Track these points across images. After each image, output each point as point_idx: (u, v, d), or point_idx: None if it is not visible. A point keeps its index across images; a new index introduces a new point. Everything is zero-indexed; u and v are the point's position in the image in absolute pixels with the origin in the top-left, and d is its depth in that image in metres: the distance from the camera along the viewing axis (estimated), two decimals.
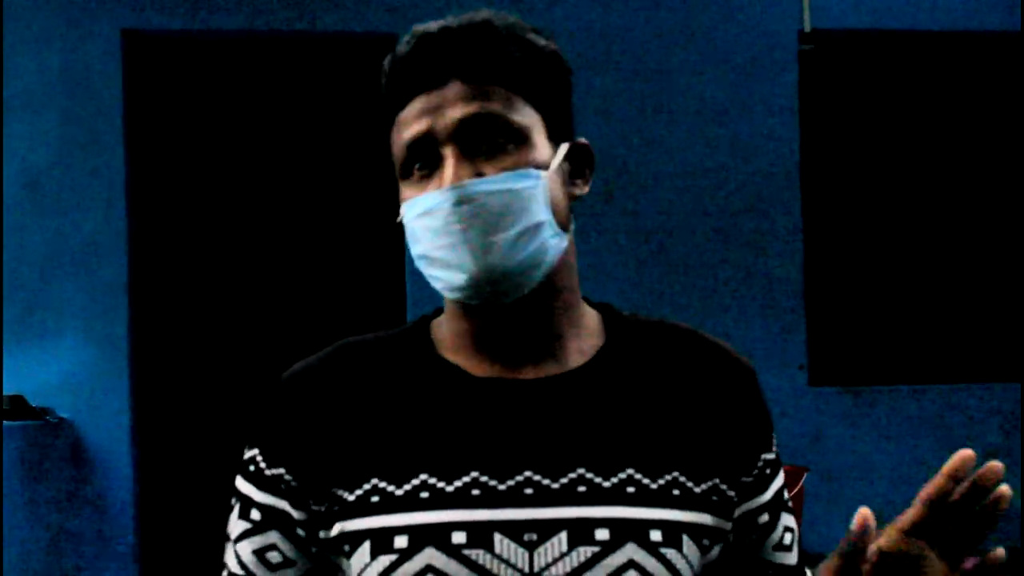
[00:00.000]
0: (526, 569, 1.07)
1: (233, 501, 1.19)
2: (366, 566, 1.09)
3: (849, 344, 5.07)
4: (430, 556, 1.07)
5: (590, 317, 1.21)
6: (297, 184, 4.89)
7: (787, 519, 1.23)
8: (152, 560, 4.71)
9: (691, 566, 1.10)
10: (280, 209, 4.88)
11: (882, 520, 1.00)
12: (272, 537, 1.16)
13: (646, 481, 1.11)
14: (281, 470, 1.15)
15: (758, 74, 4.93)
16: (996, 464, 0.97)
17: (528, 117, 1.13)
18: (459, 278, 1.10)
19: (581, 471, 1.10)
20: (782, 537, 1.22)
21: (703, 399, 1.17)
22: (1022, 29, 4.99)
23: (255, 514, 1.16)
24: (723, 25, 4.93)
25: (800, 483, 3.54)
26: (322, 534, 1.14)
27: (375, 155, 4.73)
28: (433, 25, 1.13)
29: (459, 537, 1.07)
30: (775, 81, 4.94)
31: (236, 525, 1.18)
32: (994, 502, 0.98)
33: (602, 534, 1.08)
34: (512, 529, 1.07)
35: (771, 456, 1.20)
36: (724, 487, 1.15)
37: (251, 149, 4.88)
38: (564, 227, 1.15)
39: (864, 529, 0.97)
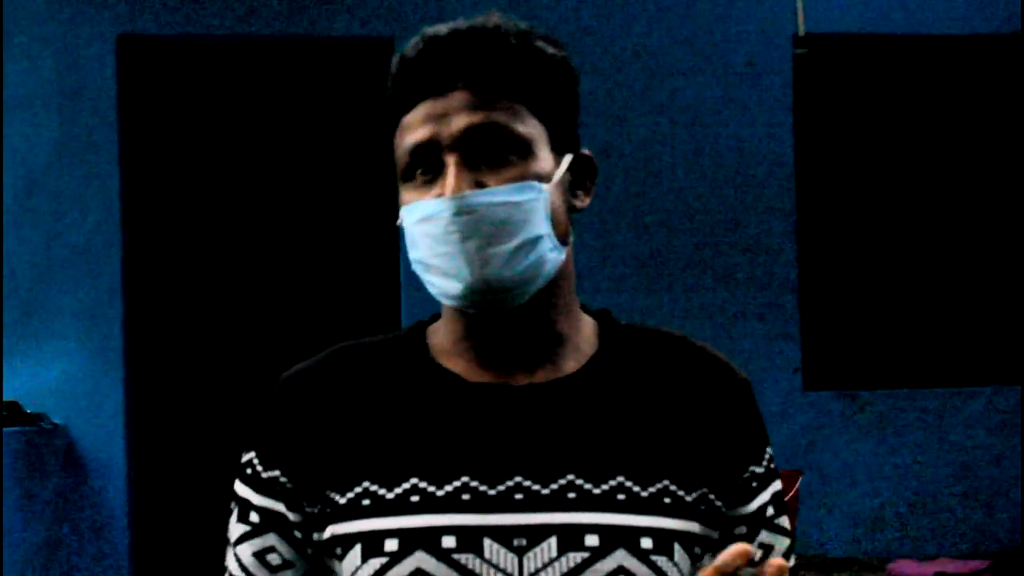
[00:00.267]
0: (515, 574, 1.07)
1: (232, 504, 1.20)
2: (357, 569, 1.10)
3: (844, 348, 5.07)
4: (420, 560, 1.07)
5: (586, 324, 1.20)
6: (292, 189, 4.88)
7: (768, 537, 1.19)
8: (147, 564, 4.71)
9: (682, 574, 1.10)
10: (275, 214, 4.87)
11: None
12: (271, 539, 1.16)
13: (636, 489, 1.11)
14: (277, 472, 1.16)
15: (753, 78, 4.93)
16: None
17: (532, 128, 1.13)
18: (455, 287, 1.10)
19: (571, 477, 1.10)
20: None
21: (695, 408, 1.16)
22: (1021, 30, 4.99)
23: (254, 517, 1.17)
24: (718, 29, 4.93)
25: (795, 487, 3.54)
26: (315, 536, 1.14)
27: (371, 160, 4.73)
28: (443, 29, 1.13)
29: (449, 541, 1.07)
30: (770, 85, 4.94)
31: (236, 528, 1.18)
32: None
33: (592, 540, 1.08)
34: (502, 534, 1.08)
35: (759, 470, 1.19)
36: (712, 497, 1.14)
37: (246, 154, 4.88)
38: (563, 240, 1.15)
39: None
